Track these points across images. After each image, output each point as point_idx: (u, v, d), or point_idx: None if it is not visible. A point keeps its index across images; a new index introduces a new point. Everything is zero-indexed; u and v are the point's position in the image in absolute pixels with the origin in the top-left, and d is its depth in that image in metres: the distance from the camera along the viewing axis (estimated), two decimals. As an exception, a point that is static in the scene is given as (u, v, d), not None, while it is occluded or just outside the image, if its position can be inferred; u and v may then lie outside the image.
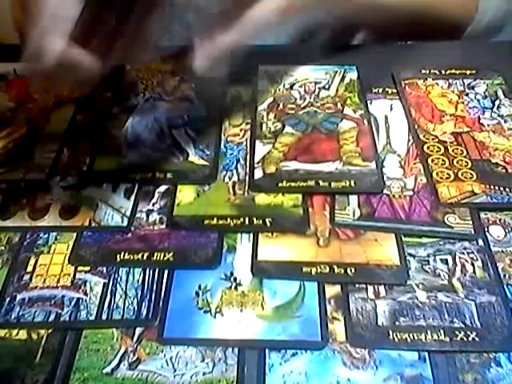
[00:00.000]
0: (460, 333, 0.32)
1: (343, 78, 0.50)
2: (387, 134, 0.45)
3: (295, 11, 0.36)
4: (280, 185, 0.40)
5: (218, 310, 0.34)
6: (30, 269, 0.37)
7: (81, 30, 0.30)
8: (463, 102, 0.47)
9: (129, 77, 0.51)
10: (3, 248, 0.38)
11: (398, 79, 0.50)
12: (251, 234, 0.38)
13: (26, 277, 0.36)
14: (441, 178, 0.40)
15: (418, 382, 0.31)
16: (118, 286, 0.36)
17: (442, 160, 0.42)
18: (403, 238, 0.37)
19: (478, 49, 0.54)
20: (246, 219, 0.38)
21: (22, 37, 0.31)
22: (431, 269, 0.36)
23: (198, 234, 0.38)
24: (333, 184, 0.40)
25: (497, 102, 0.47)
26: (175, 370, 0.32)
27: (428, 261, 0.36)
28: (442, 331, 0.32)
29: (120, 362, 0.32)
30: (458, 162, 0.42)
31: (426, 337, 0.32)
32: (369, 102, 0.48)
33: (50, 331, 0.34)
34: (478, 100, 0.47)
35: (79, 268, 0.37)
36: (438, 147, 0.43)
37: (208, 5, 0.56)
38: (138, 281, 0.36)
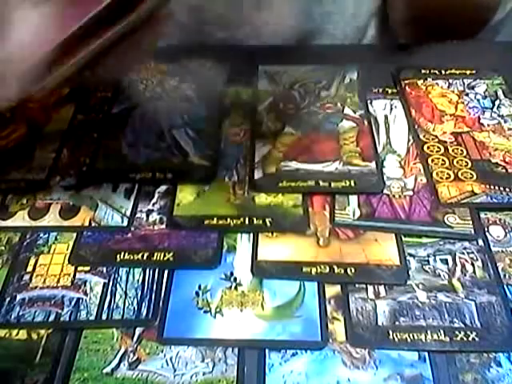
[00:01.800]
0: (460, 333, 0.32)
1: (343, 78, 0.50)
2: (387, 134, 0.45)
3: None
4: (280, 185, 0.40)
5: (217, 309, 0.34)
6: (30, 269, 0.37)
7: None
8: (463, 102, 0.47)
9: (129, 77, 0.51)
10: (3, 248, 0.38)
11: (397, 79, 0.50)
12: (251, 234, 0.38)
13: (26, 277, 0.36)
14: (441, 177, 0.40)
15: (418, 382, 0.31)
16: (118, 285, 0.36)
17: (442, 160, 0.42)
18: (403, 238, 0.37)
19: (478, 49, 0.54)
20: (246, 219, 0.38)
21: None
22: (431, 269, 0.36)
23: (198, 234, 0.38)
24: (333, 184, 0.40)
25: (497, 102, 0.47)
26: (175, 370, 0.32)
27: (428, 261, 0.36)
28: (442, 331, 0.32)
29: (120, 361, 0.32)
30: (458, 162, 0.42)
31: (425, 337, 0.32)
32: (369, 102, 0.48)
33: (50, 331, 0.34)
34: (478, 100, 0.47)
35: (79, 268, 0.37)
36: (438, 147, 0.43)
37: (202, 4, 0.56)
38: (138, 281, 0.36)
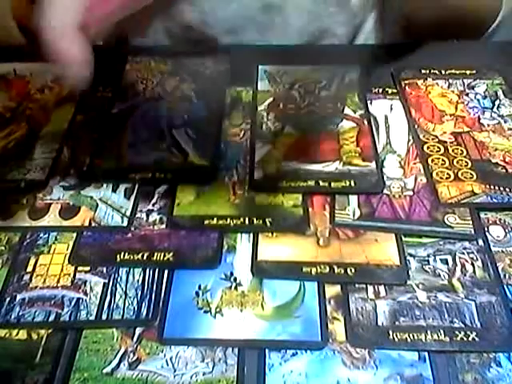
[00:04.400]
0: (460, 333, 0.32)
1: (343, 78, 0.50)
2: (387, 134, 0.45)
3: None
4: (280, 185, 0.40)
5: (217, 309, 0.34)
6: (30, 269, 0.37)
7: None
8: (463, 102, 0.47)
9: (129, 77, 0.51)
10: (3, 248, 0.38)
11: (397, 79, 0.50)
12: (251, 234, 0.38)
13: (26, 277, 0.36)
14: (441, 177, 0.40)
15: (418, 382, 0.31)
16: (117, 286, 0.36)
17: (442, 160, 0.42)
18: (403, 238, 0.37)
19: (478, 49, 0.54)
20: (246, 219, 0.38)
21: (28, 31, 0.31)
22: (431, 269, 0.36)
23: (198, 234, 0.38)
24: (333, 184, 0.40)
25: (497, 102, 0.47)
26: (175, 370, 0.32)
27: (428, 261, 0.36)
28: (442, 331, 0.32)
29: (120, 361, 0.32)
30: (458, 162, 0.42)
31: (425, 337, 0.32)
32: (369, 102, 0.48)
33: (50, 331, 0.34)
34: (478, 100, 0.47)
35: (79, 268, 0.37)
36: (438, 147, 0.43)
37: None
38: (138, 281, 0.36)
